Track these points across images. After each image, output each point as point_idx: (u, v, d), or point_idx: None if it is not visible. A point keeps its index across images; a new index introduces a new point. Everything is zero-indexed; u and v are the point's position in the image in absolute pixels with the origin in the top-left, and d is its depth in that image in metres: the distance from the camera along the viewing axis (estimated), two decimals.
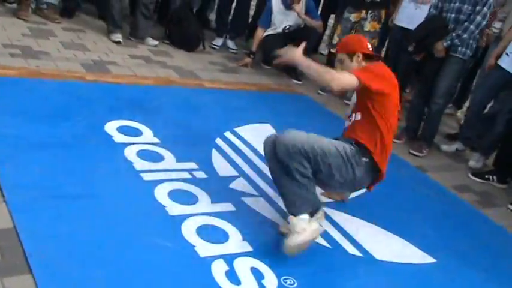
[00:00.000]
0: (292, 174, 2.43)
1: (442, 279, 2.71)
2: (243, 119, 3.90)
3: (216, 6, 5.99)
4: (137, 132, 3.27)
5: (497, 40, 4.52)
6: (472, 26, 3.98)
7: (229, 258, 2.36)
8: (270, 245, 2.57)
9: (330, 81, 2.53)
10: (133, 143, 3.12)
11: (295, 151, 2.40)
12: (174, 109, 3.82)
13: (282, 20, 5.09)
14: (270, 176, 2.72)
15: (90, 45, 4.50)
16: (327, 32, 6.18)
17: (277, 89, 4.91)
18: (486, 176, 4.11)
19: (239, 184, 3.03)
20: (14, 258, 2.04)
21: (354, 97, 2.92)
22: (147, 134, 3.28)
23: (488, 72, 4.34)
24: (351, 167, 2.56)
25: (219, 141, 3.48)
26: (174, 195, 2.72)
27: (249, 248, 2.47)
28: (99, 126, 3.20)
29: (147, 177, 2.82)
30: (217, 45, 5.51)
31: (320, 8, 5.81)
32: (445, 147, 4.54)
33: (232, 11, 5.66)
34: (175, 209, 2.62)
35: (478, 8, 3.96)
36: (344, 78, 2.56)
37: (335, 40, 5.09)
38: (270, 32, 5.12)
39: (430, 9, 4.24)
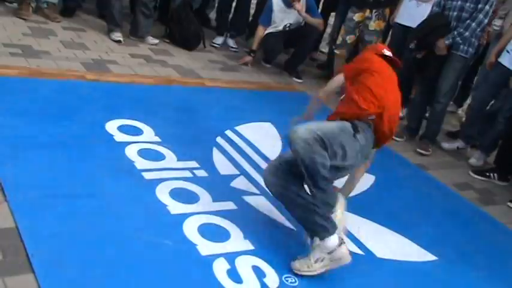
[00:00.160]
0: (314, 185, 2.34)
1: (443, 277, 2.72)
2: (244, 117, 3.90)
3: (216, 5, 5.98)
4: (138, 131, 3.27)
5: (498, 37, 4.51)
6: (473, 24, 3.98)
7: (230, 257, 2.36)
8: (271, 243, 2.57)
9: (321, 94, 2.93)
10: (134, 142, 3.12)
11: (313, 142, 2.27)
12: (174, 108, 3.82)
13: (282, 18, 5.09)
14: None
15: (90, 45, 4.50)
16: (328, 30, 6.17)
17: (278, 88, 4.91)
18: (487, 174, 4.11)
19: (240, 183, 3.04)
20: (16, 257, 2.04)
21: None
22: (148, 133, 3.28)
23: (489, 70, 4.34)
24: (354, 136, 2.46)
25: (219, 139, 3.48)
26: (176, 194, 2.73)
27: (251, 247, 2.48)
28: (99, 126, 3.21)
29: (148, 176, 2.82)
30: (217, 44, 5.50)
31: (320, 6, 5.80)
32: (446, 145, 4.54)
33: (232, 10, 5.66)
34: (176, 207, 2.62)
35: (480, 6, 3.96)
36: (330, 82, 2.92)
37: (339, 40, 5.08)
38: (270, 30, 5.11)
39: (432, 7, 4.24)
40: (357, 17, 4.89)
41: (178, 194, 2.73)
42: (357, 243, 2.77)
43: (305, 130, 2.28)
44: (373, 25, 4.83)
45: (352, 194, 3.01)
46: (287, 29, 5.11)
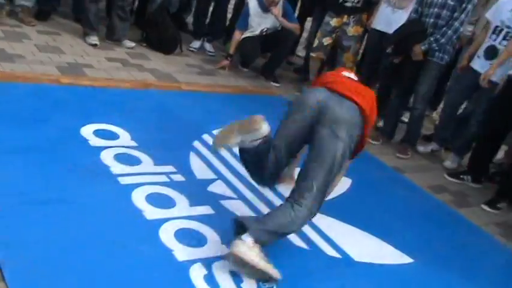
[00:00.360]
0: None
1: (419, 279, 2.75)
2: (221, 121, 3.85)
3: (193, 9, 5.97)
4: (114, 136, 3.24)
5: (470, 42, 4.60)
6: (449, 32, 4.05)
7: (207, 262, 2.35)
8: None
9: None
10: (110, 147, 3.09)
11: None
12: (151, 112, 3.80)
13: (259, 22, 5.10)
14: (249, 178, 2.72)
15: (65, 48, 4.44)
16: (304, 35, 6.21)
17: (255, 91, 4.92)
18: (461, 176, 4.18)
19: (217, 187, 3.03)
20: None
21: None
22: (124, 137, 3.25)
23: (461, 74, 4.42)
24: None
25: (197, 144, 3.47)
26: (152, 199, 2.70)
27: (228, 252, 2.46)
28: (74, 130, 3.16)
29: (124, 181, 2.80)
30: (194, 48, 5.49)
31: (297, 11, 5.83)
32: (421, 148, 4.60)
33: (209, 14, 5.65)
34: (152, 213, 2.60)
35: (456, 14, 4.03)
36: None
37: (316, 43, 5.12)
38: (247, 34, 5.12)
39: (410, 13, 4.31)
40: (334, 22, 4.93)
41: (155, 199, 2.71)
42: (334, 246, 2.78)
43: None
44: (351, 30, 4.89)
45: (329, 197, 3.02)
46: (264, 33, 5.13)
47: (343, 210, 3.10)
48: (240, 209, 2.86)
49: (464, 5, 4.01)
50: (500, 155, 4.73)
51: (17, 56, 4.00)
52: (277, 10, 5.04)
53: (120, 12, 4.78)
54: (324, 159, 2.34)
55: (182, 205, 2.74)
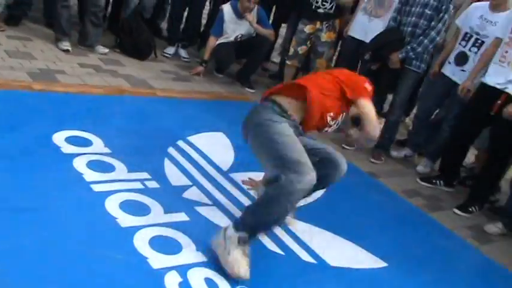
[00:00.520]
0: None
1: (393, 283, 2.78)
2: (196, 127, 3.88)
3: (167, 15, 5.95)
4: (87, 143, 3.19)
5: (441, 49, 4.68)
6: (426, 41, 4.12)
7: (182, 270, 2.33)
8: None
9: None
10: (83, 154, 3.04)
11: None
12: (125, 118, 3.76)
13: (234, 29, 5.11)
14: (226, 184, 2.72)
15: (37, 54, 4.37)
16: (279, 41, 6.25)
17: (230, 97, 4.92)
18: (433, 181, 4.24)
19: (192, 193, 3.01)
20: None
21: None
22: (98, 144, 3.21)
23: (433, 80, 4.50)
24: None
25: (171, 150, 3.44)
26: (126, 206, 2.67)
27: (203, 258, 2.45)
28: (46, 137, 3.11)
29: (97, 188, 2.76)
30: (169, 54, 5.47)
31: (272, 18, 5.86)
32: (394, 153, 4.66)
33: (184, 20, 5.64)
34: (126, 220, 2.57)
35: (433, 23, 4.10)
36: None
37: (291, 52, 5.15)
38: (222, 40, 5.13)
39: (389, 21, 4.37)
40: (308, 28, 4.98)
41: (129, 206, 2.67)
42: (310, 252, 2.79)
43: None
44: (324, 36, 4.94)
45: (303, 202, 3.03)
46: (239, 39, 5.14)
47: (317, 215, 3.12)
48: (215, 215, 2.85)
49: (441, 15, 4.08)
50: (471, 159, 4.82)
51: None
52: (252, 16, 5.06)
53: (93, 17, 4.73)
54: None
55: (157, 212, 2.71)
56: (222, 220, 2.82)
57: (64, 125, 3.30)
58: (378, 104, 4.57)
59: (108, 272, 2.19)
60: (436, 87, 4.41)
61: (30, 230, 2.30)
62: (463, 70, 4.18)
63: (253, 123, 2.59)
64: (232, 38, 5.13)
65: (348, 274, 2.72)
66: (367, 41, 4.55)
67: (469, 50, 4.15)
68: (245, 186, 3.20)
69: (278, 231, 2.87)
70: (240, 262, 2.31)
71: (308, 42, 5.02)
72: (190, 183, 3.11)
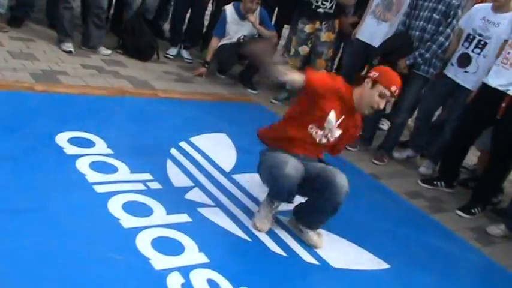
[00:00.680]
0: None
1: (396, 285, 2.78)
2: (198, 128, 3.88)
3: (170, 16, 5.95)
4: (89, 144, 3.20)
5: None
6: (434, 46, 4.10)
7: (185, 271, 2.33)
8: (226, 255, 2.56)
9: None
10: (86, 155, 3.04)
11: None
12: (128, 119, 3.76)
13: (236, 30, 5.11)
14: (229, 186, 2.73)
15: (39, 55, 4.38)
16: (282, 42, 6.25)
17: (233, 99, 4.91)
18: (434, 182, 4.23)
19: (195, 194, 3.01)
20: None
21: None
22: (100, 145, 3.21)
23: (435, 82, 4.49)
24: None
25: (174, 151, 3.44)
26: (128, 207, 2.67)
27: (206, 260, 2.45)
28: (49, 138, 3.11)
29: (100, 189, 2.76)
30: (171, 55, 5.47)
31: (274, 19, 5.86)
32: (396, 154, 4.65)
33: (186, 21, 5.64)
34: (129, 221, 2.57)
35: (441, 28, 4.08)
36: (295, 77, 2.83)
37: (292, 51, 5.15)
38: (224, 41, 5.13)
39: (398, 25, 4.35)
40: (307, 28, 4.99)
41: (131, 207, 2.68)
42: (312, 253, 2.79)
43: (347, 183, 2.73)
44: (323, 36, 4.94)
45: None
46: (241, 40, 5.14)
47: None
48: (217, 216, 2.85)
49: (449, 20, 4.05)
50: (473, 160, 4.81)
51: None
52: (254, 17, 5.06)
53: (95, 19, 4.74)
54: None
55: (159, 213, 2.71)
56: (224, 221, 2.82)
57: (66, 126, 3.31)
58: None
59: (110, 273, 2.20)
60: (438, 88, 4.40)
61: (32, 231, 2.30)
62: (466, 71, 4.17)
63: None
64: (234, 39, 5.13)
65: (350, 275, 2.72)
66: (373, 44, 4.53)
67: (472, 51, 4.14)
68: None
69: (280, 232, 2.87)
70: (261, 218, 2.82)
71: (309, 42, 5.02)
72: (193, 185, 3.11)
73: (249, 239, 2.73)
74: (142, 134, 3.57)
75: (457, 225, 3.70)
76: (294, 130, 2.79)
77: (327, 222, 2.86)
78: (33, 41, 4.67)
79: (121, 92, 4.18)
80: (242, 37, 5.14)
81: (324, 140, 2.79)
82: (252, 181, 3.28)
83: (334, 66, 5.76)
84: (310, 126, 2.76)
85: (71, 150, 3.06)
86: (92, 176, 2.85)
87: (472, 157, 4.69)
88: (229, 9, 5.08)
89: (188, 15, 5.60)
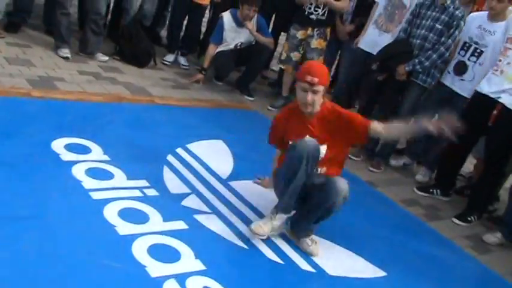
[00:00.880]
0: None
1: None
2: (195, 135, 3.88)
3: (167, 23, 5.96)
4: (86, 150, 3.19)
5: None
6: (434, 56, 4.11)
7: (181, 278, 2.32)
8: (223, 262, 2.55)
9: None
10: (82, 161, 3.04)
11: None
12: (124, 126, 3.75)
13: (233, 37, 5.13)
14: (225, 193, 2.73)
15: (36, 61, 4.38)
16: (279, 49, 6.25)
17: (229, 105, 4.92)
18: (430, 190, 4.24)
19: (191, 201, 3.00)
20: None
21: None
22: (97, 152, 3.20)
23: (432, 90, 4.50)
24: None
25: (170, 158, 3.44)
26: (124, 214, 2.67)
27: (202, 267, 2.45)
28: (45, 144, 3.10)
29: (96, 196, 2.75)
30: (168, 62, 5.48)
31: (271, 26, 5.88)
32: (393, 161, 4.66)
33: (183, 27, 5.65)
34: (125, 228, 2.56)
35: (443, 39, 4.09)
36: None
37: (283, 56, 5.18)
38: (221, 48, 5.14)
39: (399, 32, 4.36)
40: (300, 34, 5.01)
41: (128, 214, 2.67)
42: (309, 260, 2.78)
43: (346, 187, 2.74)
44: (314, 43, 4.95)
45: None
46: (238, 47, 5.15)
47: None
48: (214, 223, 2.84)
49: (451, 31, 4.06)
50: (470, 168, 4.82)
51: None
52: (252, 25, 5.08)
53: (93, 25, 4.74)
54: None
55: (155, 220, 2.70)
56: (220, 228, 2.81)
57: (63, 132, 3.30)
58: (385, 116, 4.56)
59: (106, 281, 2.18)
60: (435, 96, 4.41)
61: (28, 237, 2.29)
62: (462, 79, 4.19)
63: None
64: (232, 46, 5.14)
65: (347, 283, 2.71)
66: (374, 53, 4.53)
67: (468, 59, 4.16)
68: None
69: (277, 240, 2.87)
70: (258, 222, 2.77)
71: (301, 49, 5.05)
72: (189, 191, 3.11)
73: (245, 246, 2.72)
74: (139, 140, 3.56)
75: (453, 233, 3.70)
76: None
77: (323, 230, 2.86)
78: (30, 47, 4.66)
79: (118, 99, 4.17)
80: (239, 44, 5.15)
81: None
82: (249, 188, 3.30)
83: (332, 74, 5.77)
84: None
85: (67, 156, 3.05)
86: (88, 183, 2.84)
87: (468, 165, 4.69)
88: (226, 16, 5.09)
89: (185, 21, 5.61)
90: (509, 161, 3.89)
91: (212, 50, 5.15)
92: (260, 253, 2.71)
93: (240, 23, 5.06)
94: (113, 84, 4.43)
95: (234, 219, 2.94)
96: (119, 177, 3.00)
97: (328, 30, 5.03)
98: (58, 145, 3.13)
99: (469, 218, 3.91)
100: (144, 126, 3.85)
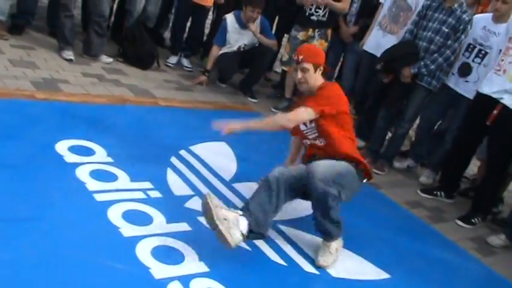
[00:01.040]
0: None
1: None
2: (198, 137, 3.88)
3: (170, 24, 5.97)
4: (90, 152, 3.19)
5: None
6: (440, 59, 4.09)
7: (185, 280, 2.32)
8: (226, 265, 2.54)
9: (287, 123, 2.94)
10: (86, 163, 3.04)
11: (330, 182, 2.64)
12: (128, 128, 3.76)
13: (237, 39, 5.13)
14: (229, 194, 2.71)
15: (40, 63, 4.39)
16: (282, 51, 6.26)
17: (233, 107, 4.92)
18: (434, 192, 4.22)
19: (195, 203, 3.00)
20: None
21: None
22: (100, 153, 3.21)
23: (436, 91, 4.49)
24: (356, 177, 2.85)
25: (174, 160, 3.44)
26: (128, 216, 2.67)
27: (206, 269, 2.45)
28: (49, 146, 3.11)
29: (99, 197, 2.75)
30: (171, 63, 5.48)
31: (274, 28, 5.88)
32: (397, 164, 4.65)
33: (187, 29, 5.66)
34: (129, 230, 2.56)
35: (449, 42, 4.07)
36: (300, 115, 2.88)
37: (285, 58, 5.17)
38: (225, 50, 5.14)
39: (405, 33, 4.34)
40: (300, 35, 5.01)
41: (131, 216, 2.67)
42: (312, 262, 2.78)
43: (324, 169, 2.64)
44: (316, 44, 4.95)
45: (307, 213, 3.03)
46: (242, 49, 5.15)
47: None
48: None
49: (458, 34, 4.05)
50: (474, 170, 4.81)
51: None
52: (255, 26, 5.08)
53: (97, 27, 4.75)
54: None
55: (159, 222, 2.71)
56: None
57: (67, 134, 3.31)
58: (390, 119, 4.55)
59: (110, 282, 2.19)
60: (439, 98, 4.40)
61: (32, 239, 2.29)
62: (466, 81, 4.18)
63: None
64: (235, 48, 5.14)
65: (350, 285, 2.71)
66: (378, 55, 4.51)
67: (473, 61, 4.15)
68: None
69: (280, 241, 2.86)
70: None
71: None
72: (193, 193, 3.11)
73: (248, 248, 2.71)
74: (143, 142, 3.56)
75: (458, 235, 3.69)
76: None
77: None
78: (34, 49, 4.67)
79: (121, 101, 4.18)
80: (243, 46, 5.15)
81: (313, 136, 2.95)
82: (253, 190, 3.28)
83: (335, 75, 5.76)
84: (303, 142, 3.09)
85: (71, 158, 3.05)
86: (92, 184, 2.85)
87: (472, 167, 4.68)
88: (229, 18, 5.09)
89: (189, 23, 5.62)
90: (511, 161, 3.88)
91: (215, 51, 5.15)
92: (263, 255, 2.70)
93: (243, 24, 5.06)
94: (116, 86, 4.43)
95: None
96: (123, 179, 3.00)
97: (329, 31, 5.03)
98: (62, 147, 3.14)
99: (473, 220, 3.90)
100: (148, 128, 3.85)
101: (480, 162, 4.60)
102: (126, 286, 2.20)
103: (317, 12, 4.91)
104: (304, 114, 2.85)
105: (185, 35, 5.65)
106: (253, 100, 5.23)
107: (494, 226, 3.99)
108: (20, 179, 2.71)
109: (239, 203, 3.13)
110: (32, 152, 3.00)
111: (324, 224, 2.74)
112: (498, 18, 4.01)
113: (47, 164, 2.93)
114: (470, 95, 4.12)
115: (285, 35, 5.99)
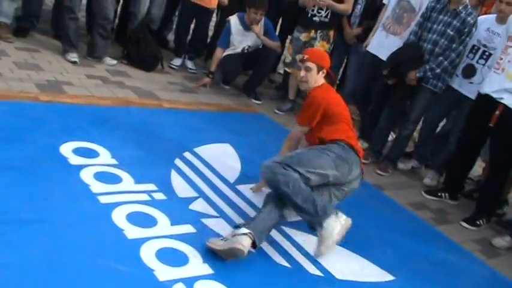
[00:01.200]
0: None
1: None
2: (203, 139, 3.88)
3: (174, 26, 5.98)
4: (94, 154, 3.20)
5: None
6: (446, 62, 4.09)
7: (189, 282, 2.33)
8: (231, 267, 2.54)
9: (289, 140, 3.24)
10: (90, 165, 3.05)
11: (276, 166, 2.76)
12: (132, 130, 3.76)
13: (240, 40, 5.13)
14: (233, 196, 2.71)
15: (44, 65, 4.40)
16: (285, 52, 6.26)
17: (237, 109, 4.92)
18: (438, 194, 4.22)
19: (199, 205, 3.00)
20: None
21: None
22: (105, 155, 3.22)
23: (440, 93, 4.49)
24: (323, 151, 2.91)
25: (178, 161, 3.45)
26: (132, 218, 2.67)
27: (210, 271, 2.45)
28: (53, 148, 3.12)
29: (104, 199, 2.76)
30: (175, 65, 5.49)
31: (278, 29, 5.89)
32: (401, 165, 4.64)
33: (190, 31, 5.67)
34: (133, 232, 2.56)
35: (454, 45, 4.06)
36: (295, 134, 3.23)
37: (288, 59, 5.18)
38: (229, 52, 5.15)
39: (410, 35, 4.33)
40: (303, 36, 5.02)
41: (136, 218, 2.67)
42: (317, 264, 2.78)
43: (270, 160, 2.81)
44: (317, 45, 4.95)
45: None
46: (245, 51, 5.16)
47: None
48: (221, 227, 2.84)
49: (463, 37, 4.04)
50: (479, 171, 4.80)
51: None
52: (259, 28, 5.09)
53: (101, 30, 4.76)
54: None
55: (163, 224, 2.71)
56: (228, 232, 2.80)
57: (71, 136, 3.32)
58: (393, 119, 4.55)
59: (114, 285, 2.19)
60: (443, 99, 4.39)
61: (36, 241, 2.30)
62: (470, 82, 4.18)
63: None
64: (239, 50, 5.15)
65: (354, 287, 2.70)
66: (381, 56, 4.50)
67: (477, 62, 4.15)
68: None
69: (285, 244, 2.86)
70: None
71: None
72: (197, 195, 3.11)
73: (253, 250, 2.71)
74: (147, 144, 3.57)
75: (462, 237, 3.68)
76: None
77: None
78: (38, 51, 4.69)
79: (126, 102, 4.19)
80: (246, 48, 5.16)
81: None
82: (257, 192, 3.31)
83: (339, 77, 5.76)
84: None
85: (75, 160, 3.06)
86: (96, 187, 2.85)
87: (477, 168, 4.67)
88: (233, 19, 5.10)
89: (193, 25, 5.63)
90: None
91: (219, 53, 5.16)
92: (268, 257, 2.70)
93: (247, 26, 5.07)
94: (120, 88, 4.44)
95: (241, 222, 2.93)
96: (127, 181, 3.01)
97: (331, 32, 5.03)
98: (66, 149, 3.15)
99: (477, 222, 3.89)
100: (152, 130, 3.86)
101: (485, 164, 4.59)
102: None
103: (319, 13, 4.92)
104: (297, 133, 3.22)
105: (189, 37, 5.66)
106: (257, 102, 5.24)
107: (499, 228, 3.98)
108: (25, 181, 2.72)
109: (243, 205, 3.14)
110: (37, 154, 3.01)
111: (303, 217, 2.79)
112: (502, 19, 4.01)
113: (52, 166, 2.94)
114: (474, 96, 4.12)
115: (289, 36, 6.00)
